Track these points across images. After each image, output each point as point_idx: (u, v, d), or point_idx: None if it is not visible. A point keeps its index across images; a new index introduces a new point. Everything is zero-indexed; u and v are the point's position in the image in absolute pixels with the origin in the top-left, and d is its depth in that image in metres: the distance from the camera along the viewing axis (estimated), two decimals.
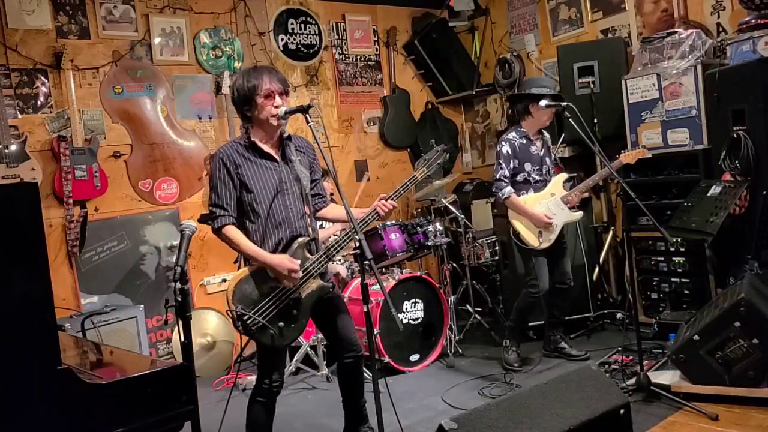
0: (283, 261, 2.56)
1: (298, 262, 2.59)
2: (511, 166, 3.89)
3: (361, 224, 2.66)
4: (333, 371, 4.05)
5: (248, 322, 2.51)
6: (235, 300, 2.52)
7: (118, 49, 4.59)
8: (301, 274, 2.58)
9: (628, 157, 3.80)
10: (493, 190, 3.96)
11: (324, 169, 3.17)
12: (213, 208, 2.65)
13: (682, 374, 3.17)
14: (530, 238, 3.85)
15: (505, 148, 3.90)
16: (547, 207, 3.87)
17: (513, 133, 3.97)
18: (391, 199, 2.75)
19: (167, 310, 2.22)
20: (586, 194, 3.91)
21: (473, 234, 4.93)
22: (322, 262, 2.66)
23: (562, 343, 4.09)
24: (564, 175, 4.01)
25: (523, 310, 4.02)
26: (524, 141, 3.94)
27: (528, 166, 3.93)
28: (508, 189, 3.85)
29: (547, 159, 4.03)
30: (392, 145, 6.00)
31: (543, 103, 3.75)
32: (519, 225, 3.88)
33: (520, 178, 3.93)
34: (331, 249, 2.66)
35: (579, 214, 3.98)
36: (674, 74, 4.12)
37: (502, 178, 3.87)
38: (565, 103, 3.68)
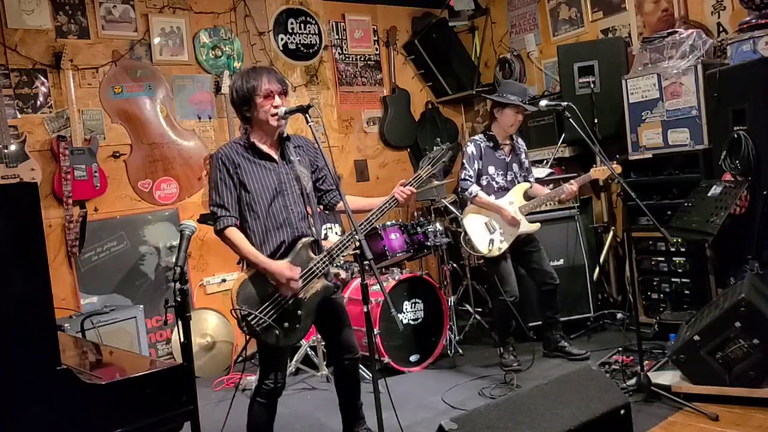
0: (282, 269, 2.54)
1: (298, 270, 2.56)
2: (475, 167, 3.93)
3: (378, 212, 2.69)
4: (332, 372, 4.04)
5: (253, 322, 2.51)
6: (239, 300, 2.52)
7: (117, 49, 4.58)
8: (300, 284, 2.56)
9: (597, 172, 3.80)
10: (459, 191, 4.00)
11: None
12: (214, 208, 2.63)
13: (682, 374, 3.16)
14: (480, 244, 3.88)
15: (470, 149, 3.96)
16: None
17: (480, 135, 4.04)
18: (410, 185, 2.73)
19: (167, 311, 2.22)
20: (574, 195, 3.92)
21: None
22: (326, 263, 2.66)
23: (562, 341, 4.08)
24: (526, 185, 4.02)
25: (500, 319, 4.00)
26: (490, 144, 3.99)
27: (491, 169, 3.97)
28: (475, 187, 3.89)
29: (515, 166, 4.04)
30: (392, 145, 6.00)
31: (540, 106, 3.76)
32: (470, 230, 3.91)
33: (483, 181, 3.97)
34: (334, 250, 2.66)
35: (536, 225, 3.97)
36: (675, 74, 4.12)
37: (467, 177, 3.92)
38: (566, 108, 3.61)
